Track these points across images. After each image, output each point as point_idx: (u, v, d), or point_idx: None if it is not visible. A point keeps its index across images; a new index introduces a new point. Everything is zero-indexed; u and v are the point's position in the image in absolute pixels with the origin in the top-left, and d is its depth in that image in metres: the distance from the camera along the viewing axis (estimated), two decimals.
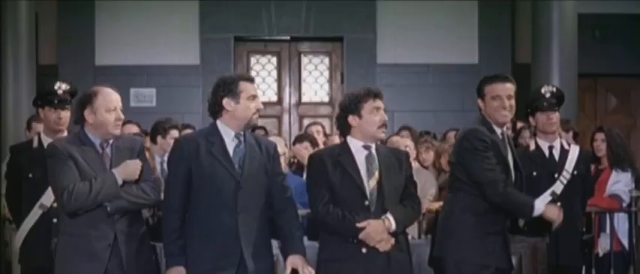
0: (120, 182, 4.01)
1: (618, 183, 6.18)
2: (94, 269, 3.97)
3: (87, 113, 4.05)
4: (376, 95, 4.17)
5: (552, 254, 5.16)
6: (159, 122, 6.77)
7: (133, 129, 6.76)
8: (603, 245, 6.24)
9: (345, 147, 4.21)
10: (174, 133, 6.68)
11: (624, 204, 6.15)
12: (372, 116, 4.15)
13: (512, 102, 4.29)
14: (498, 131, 4.31)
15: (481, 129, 4.28)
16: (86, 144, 4.05)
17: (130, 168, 4.06)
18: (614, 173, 6.22)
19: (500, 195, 4.17)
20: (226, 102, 4.06)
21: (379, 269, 4.11)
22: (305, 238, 5.92)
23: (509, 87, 4.31)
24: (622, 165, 6.18)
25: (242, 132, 4.11)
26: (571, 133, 6.71)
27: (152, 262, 4.34)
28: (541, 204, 4.26)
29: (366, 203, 4.12)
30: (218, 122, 4.11)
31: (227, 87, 4.06)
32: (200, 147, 4.04)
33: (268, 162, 4.13)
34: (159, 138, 6.55)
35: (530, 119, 5.42)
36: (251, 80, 4.14)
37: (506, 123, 4.36)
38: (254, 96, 4.08)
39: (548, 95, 5.29)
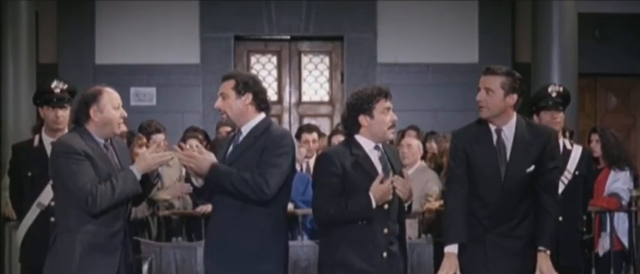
0: (139, 177, 3.97)
1: (617, 181, 6.20)
2: (110, 265, 3.99)
3: (93, 111, 3.99)
4: (387, 95, 4.09)
5: (552, 254, 5.15)
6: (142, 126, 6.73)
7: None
8: (604, 245, 6.25)
9: (358, 146, 4.09)
10: (157, 137, 6.60)
11: (624, 203, 6.17)
12: (383, 116, 4.07)
13: None
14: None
15: None
16: (92, 142, 3.99)
17: (149, 161, 4.01)
18: (612, 172, 6.24)
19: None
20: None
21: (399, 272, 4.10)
22: (306, 237, 6.00)
23: None
24: (618, 164, 6.20)
25: (240, 129, 4.09)
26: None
27: None
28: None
29: (386, 206, 4.04)
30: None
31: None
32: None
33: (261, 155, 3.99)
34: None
35: (534, 118, 5.42)
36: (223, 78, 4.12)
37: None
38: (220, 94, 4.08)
39: (554, 94, 5.28)
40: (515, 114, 4.18)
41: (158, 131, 6.64)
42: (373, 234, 4.00)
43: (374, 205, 3.96)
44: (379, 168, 4.08)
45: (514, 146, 4.12)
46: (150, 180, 4.13)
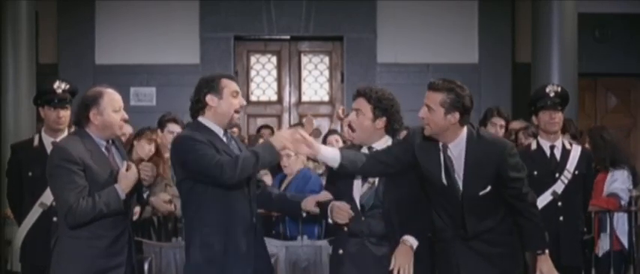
0: (123, 197, 3.94)
1: (615, 181, 6.19)
2: (118, 267, 3.99)
3: (93, 114, 3.97)
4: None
5: (553, 255, 5.16)
6: (160, 118, 6.81)
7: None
8: (603, 246, 6.25)
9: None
10: (172, 127, 6.68)
11: (623, 202, 6.16)
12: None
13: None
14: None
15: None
16: (92, 145, 3.98)
17: (130, 180, 3.98)
18: (610, 173, 6.23)
19: None
20: (209, 98, 4.07)
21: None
22: (305, 237, 6.00)
23: None
24: (605, 165, 6.18)
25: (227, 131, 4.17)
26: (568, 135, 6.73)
27: None
28: None
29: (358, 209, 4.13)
30: (201, 118, 4.12)
31: (209, 84, 4.09)
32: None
33: None
34: (158, 132, 6.57)
35: (533, 118, 5.42)
36: (231, 77, 4.16)
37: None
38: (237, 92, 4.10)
39: (552, 94, 5.28)
40: (464, 129, 4.00)
41: (174, 121, 6.70)
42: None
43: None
44: None
45: (466, 169, 3.98)
46: (141, 194, 4.17)
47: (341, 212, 4.07)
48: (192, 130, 4.06)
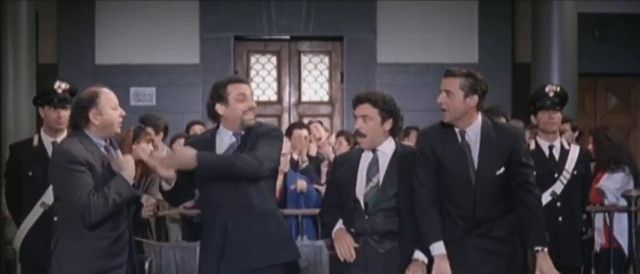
0: (131, 182, 3.95)
1: (608, 181, 6.18)
2: (119, 267, 3.99)
3: (92, 114, 3.97)
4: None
5: (552, 254, 5.16)
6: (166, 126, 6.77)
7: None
8: (599, 241, 6.24)
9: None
10: (180, 140, 6.68)
11: (606, 201, 6.14)
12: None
13: None
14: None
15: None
16: (92, 147, 3.97)
17: (130, 163, 3.99)
18: (606, 173, 6.22)
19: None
20: (218, 107, 4.18)
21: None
22: (305, 237, 6.00)
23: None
24: (608, 166, 6.17)
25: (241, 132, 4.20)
26: (577, 132, 6.73)
27: None
28: None
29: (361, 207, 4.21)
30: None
31: (216, 92, 4.21)
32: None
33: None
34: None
35: (532, 118, 5.42)
36: (240, 81, 4.24)
37: None
38: (244, 95, 4.16)
39: (551, 94, 5.29)
40: (479, 115, 4.15)
41: (181, 137, 6.71)
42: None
43: None
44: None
45: (481, 149, 4.09)
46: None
47: (345, 250, 4.15)
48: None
